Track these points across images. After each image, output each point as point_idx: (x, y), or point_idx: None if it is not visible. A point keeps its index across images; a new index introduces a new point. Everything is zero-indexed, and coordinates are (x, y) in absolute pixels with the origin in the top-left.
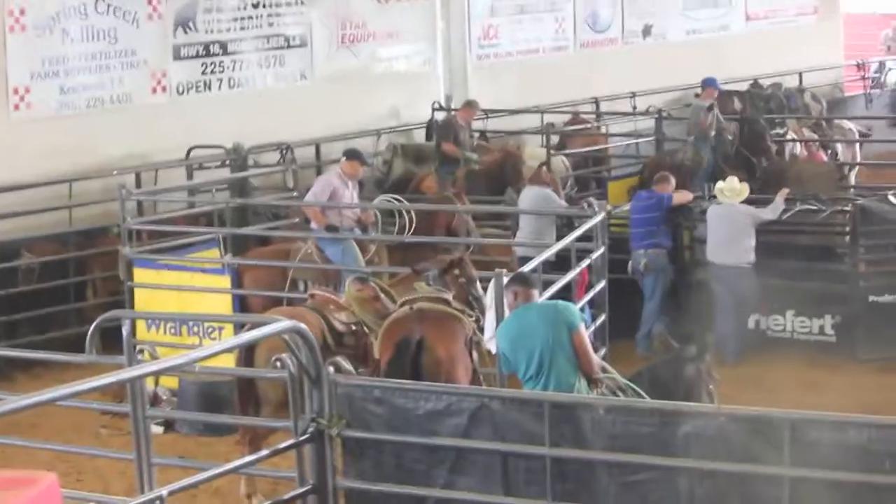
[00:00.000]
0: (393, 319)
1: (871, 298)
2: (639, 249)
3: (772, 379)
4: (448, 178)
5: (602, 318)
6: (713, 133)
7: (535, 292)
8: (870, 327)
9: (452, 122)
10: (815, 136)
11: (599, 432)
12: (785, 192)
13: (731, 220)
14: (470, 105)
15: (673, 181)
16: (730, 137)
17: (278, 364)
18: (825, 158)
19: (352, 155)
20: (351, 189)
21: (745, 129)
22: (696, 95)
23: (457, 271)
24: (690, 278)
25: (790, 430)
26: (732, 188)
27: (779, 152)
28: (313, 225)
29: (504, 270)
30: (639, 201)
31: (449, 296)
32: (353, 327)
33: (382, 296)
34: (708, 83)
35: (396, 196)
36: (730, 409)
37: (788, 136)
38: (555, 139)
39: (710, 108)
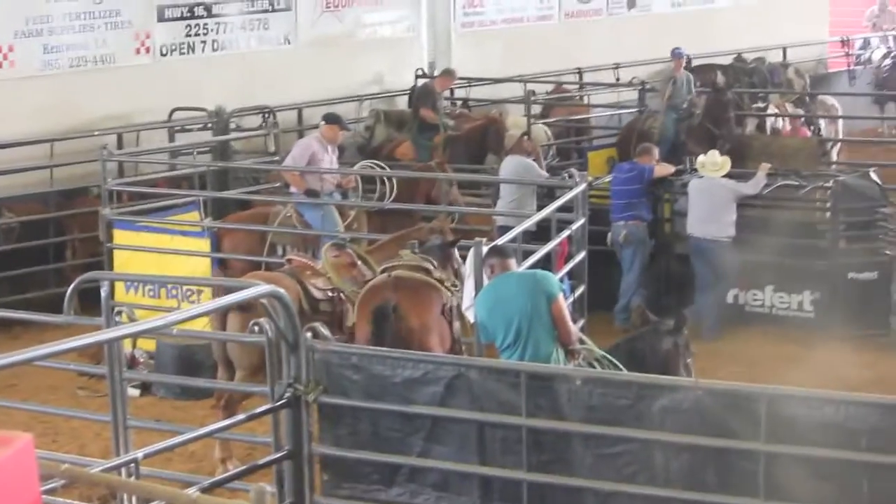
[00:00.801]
0: (369, 286)
1: (851, 275)
2: (619, 221)
3: (750, 354)
4: (426, 145)
5: (581, 289)
6: (683, 105)
7: (512, 262)
8: (849, 304)
9: (431, 89)
10: (800, 112)
11: (576, 403)
12: (766, 167)
13: (711, 194)
14: (448, 73)
15: (655, 153)
16: (696, 111)
17: (256, 329)
18: (808, 134)
19: (331, 119)
20: (331, 153)
21: (711, 99)
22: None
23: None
24: (670, 251)
25: (767, 405)
26: (714, 162)
27: (760, 126)
28: (293, 189)
29: (484, 239)
30: (620, 173)
31: (430, 265)
32: (330, 294)
33: (359, 262)
34: (672, 55)
35: (378, 162)
36: (707, 384)
37: (770, 111)
38: (537, 109)
39: (669, 81)
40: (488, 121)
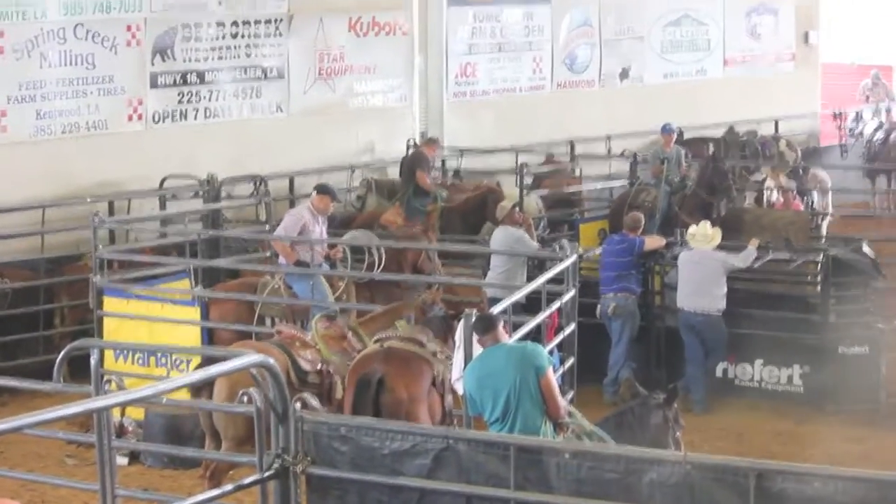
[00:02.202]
0: (360, 357)
1: (841, 350)
2: (608, 293)
3: (738, 428)
4: (421, 210)
5: (570, 361)
6: (677, 179)
7: (500, 331)
8: (838, 379)
9: (424, 154)
10: (793, 185)
11: (564, 477)
12: (756, 241)
13: (701, 267)
14: (433, 141)
15: (641, 222)
16: (689, 182)
17: (245, 399)
18: (801, 207)
19: (323, 190)
20: (321, 224)
21: (709, 169)
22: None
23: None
24: (660, 324)
25: (755, 479)
26: (704, 234)
27: (757, 199)
28: (281, 260)
29: (474, 311)
30: (610, 245)
31: (424, 337)
32: (319, 366)
33: (350, 334)
34: (663, 131)
35: (367, 232)
36: (695, 457)
37: (766, 184)
38: (528, 179)
39: (661, 159)
40: (487, 190)
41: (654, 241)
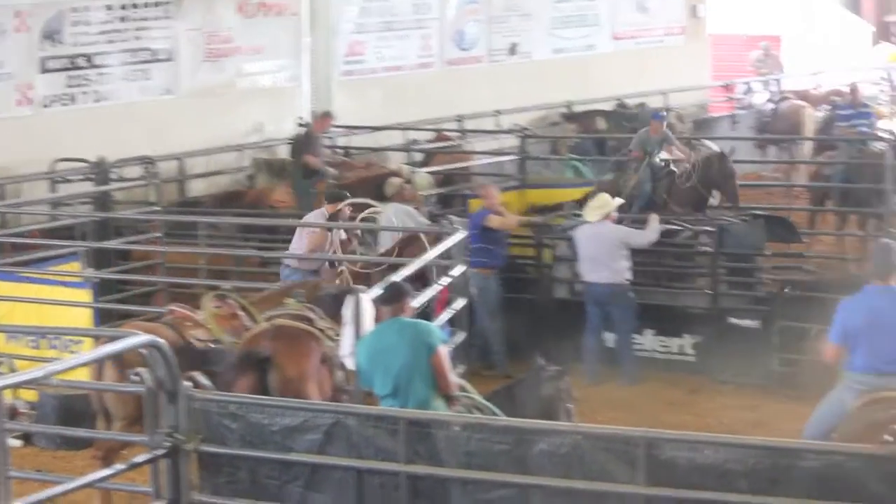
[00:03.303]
0: (249, 335)
1: (731, 320)
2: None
3: (631, 398)
4: (310, 192)
5: (462, 336)
6: (660, 163)
7: (403, 304)
8: (729, 349)
9: (313, 135)
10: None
11: (454, 450)
12: (657, 217)
13: (597, 242)
14: (327, 115)
15: (491, 196)
16: (674, 170)
17: (136, 378)
18: None
19: (335, 197)
20: (335, 231)
21: (714, 167)
22: (562, 114)
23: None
24: (548, 296)
25: (646, 448)
26: (599, 204)
27: None
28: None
29: (363, 287)
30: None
31: (314, 314)
32: (210, 345)
33: (242, 314)
34: (652, 117)
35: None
36: (585, 427)
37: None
38: (419, 156)
39: (647, 152)
40: (391, 172)
41: (500, 221)
